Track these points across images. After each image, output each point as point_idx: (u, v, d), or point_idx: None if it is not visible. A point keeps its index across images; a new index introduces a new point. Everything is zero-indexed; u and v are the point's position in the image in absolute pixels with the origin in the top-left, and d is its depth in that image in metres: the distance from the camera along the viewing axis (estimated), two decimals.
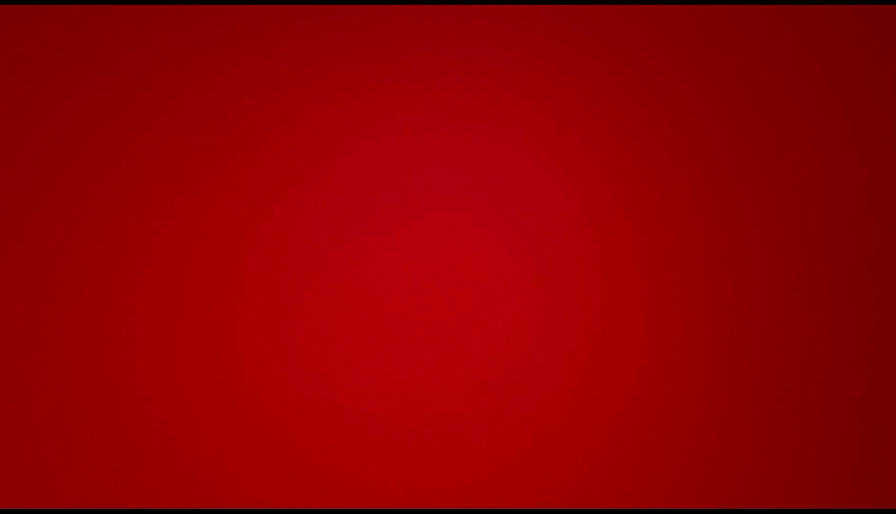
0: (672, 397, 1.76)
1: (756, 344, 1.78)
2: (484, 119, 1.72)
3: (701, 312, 1.77)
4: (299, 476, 1.68)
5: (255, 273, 1.68)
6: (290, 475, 1.68)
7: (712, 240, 1.77)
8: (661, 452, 1.76)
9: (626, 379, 1.75)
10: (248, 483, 1.67)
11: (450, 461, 1.71)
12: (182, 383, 1.65)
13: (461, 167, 1.72)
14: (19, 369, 1.62)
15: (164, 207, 1.66)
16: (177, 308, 1.65)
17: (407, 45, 1.71)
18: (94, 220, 1.64)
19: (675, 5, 1.78)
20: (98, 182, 1.64)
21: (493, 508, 1.72)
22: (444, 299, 1.71)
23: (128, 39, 1.65)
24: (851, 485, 1.79)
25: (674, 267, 1.77)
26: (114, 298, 1.64)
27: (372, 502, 1.69)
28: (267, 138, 1.68)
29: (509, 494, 1.73)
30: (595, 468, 1.74)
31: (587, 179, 1.75)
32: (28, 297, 1.62)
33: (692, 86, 1.78)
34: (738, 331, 1.78)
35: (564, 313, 1.74)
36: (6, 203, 1.62)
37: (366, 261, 1.70)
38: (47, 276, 1.63)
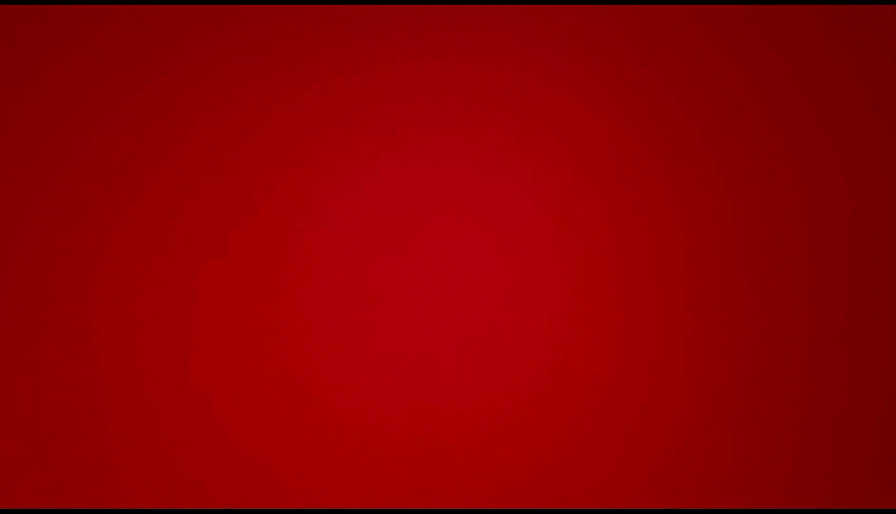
0: (666, 397, 1.76)
1: (753, 343, 1.78)
2: (475, 129, 1.73)
3: (694, 311, 1.77)
4: (314, 475, 1.68)
5: (270, 276, 1.68)
6: (305, 475, 1.68)
7: (701, 239, 1.77)
8: (661, 451, 1.76)
9: (621, 380, 1.75)
10: (259, 483, 1.68)
11: (452, 459, 1.71)
12: (189, 384, 1.66)
13: (454, 176, 1.72)
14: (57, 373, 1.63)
15: (190, 218, 1.67)
16: (181, 312, 1.66)
17: (400, 56, 1.72)
18: (129, 229, 1.65)
19: (668, 5, 1.78)
20: (134, 196, 1.65)
21: (492, 507, 1.72)
22: (444, 301, 1.72)
23: (164, 63, 1.66)
24: (851, 485, 1.79)
25: (663, 268, 1.77)
26: (126, 301, 1.65)
27: (372, 502, 1.70)
28: (279, 153, 1.69)
29: (509, 494, 1.73)
30: (586, 467, 1.74)
31: (570, 188, 1.75)
32: (76, 304, 1.64)
33: (678, 87, 1.78)
34: (735, 331, 1.78)
35: (556, 313, 1.74)
36: (59, 216, 1.64)
37: (363, 265, 1.70)
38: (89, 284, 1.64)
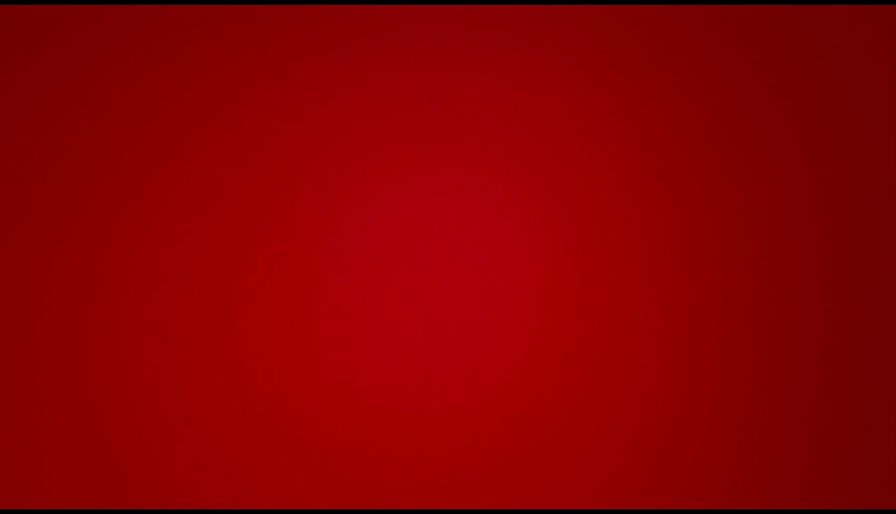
0: (664, 397, 1.76)
1: (755, 345, 1.78)
2: (469, 140, 1.73)
3: (676, 312, 1.77)
4: (319, 476, 1.68)
5: (279, 279, 1.68)
6: (311, 475, 1.68)
7: (685, 240, 1.78)
8: (660, 452, 1.76)
9: (614, 381, 1.75)
10: (262, 484, 1.67)
11: (451, 459, 1.71)
12: (194, 385, 1.66)
13: (451, 186, 1.73)
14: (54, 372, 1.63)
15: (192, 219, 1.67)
16: (181, 312, 1.66)
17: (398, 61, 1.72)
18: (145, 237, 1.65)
19: (662, 6, 1.78)
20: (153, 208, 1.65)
21: (493, 508, 1.72)
22: (444, 305, 1.72)
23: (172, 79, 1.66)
24: (851, 485, 1.79)
25: (648, 268, 1.77)
26: (135, 302, 1.65)
27: (375, 502, 1.70)
28: (287, 150, 1.69)
29: (506, 494, 1.73)
30: (590, 468, 1.74)
31: (564, 198, 1.75)
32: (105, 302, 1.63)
33: (673, 88, 1.78)
34: (737, 332, 1.78)
35: (551, 318, 1.74)
36: (91, 217, 1.63)
37: (366, 270, 1.71)
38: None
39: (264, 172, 1.69)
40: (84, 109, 1.65)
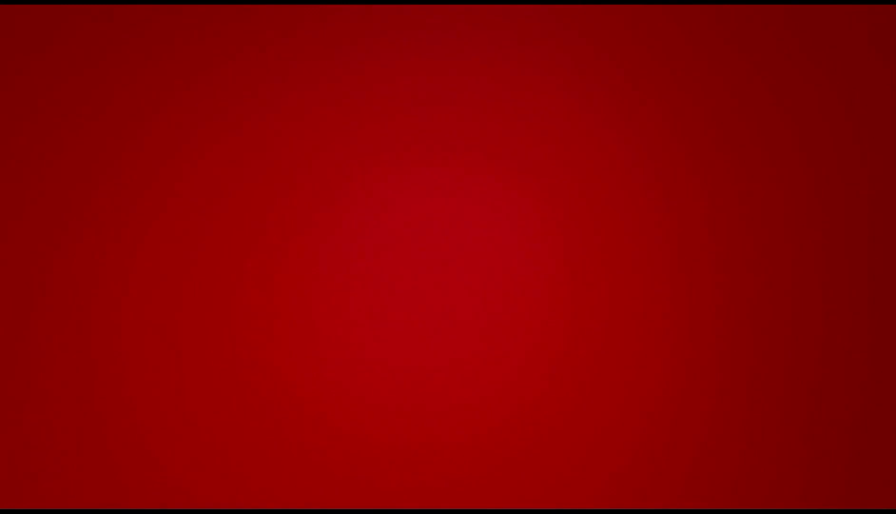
0: (664, 397, 1.76)
1: (755, 345, 1.78)
2: (467, 141, 1.73)
3: (677, 313, 1.77)
4: (317, 476, 1.68)
5: (280, 278, 1.68)
6: (314, 475, 1.68)
7: (685, 241, 1.78)
8: (660, 452, 1.76)
9: (612, 383, 1.75)
10: (262, 483, 1.67)
11: (451, 459, 1.71)
12: (196, 385, 1.66)
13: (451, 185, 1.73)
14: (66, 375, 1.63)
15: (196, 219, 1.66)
16: (184, 311, 1.66)
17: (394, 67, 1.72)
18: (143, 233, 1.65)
19: (662, 6, 1.78)
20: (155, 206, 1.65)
21: (493, 508, 1.72)
22: (443, 303, 1.72)
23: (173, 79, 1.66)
24: (851, 485, 1.79)
25: (648, 269, 1.77)
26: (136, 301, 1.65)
27: (375, 502, 1.70)
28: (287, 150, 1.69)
29: (504, 494, 1.73)
30: (590, 468, 1.74)
31: (561, 196, 1.75)
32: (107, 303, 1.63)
33: (672, 88, 1.78)
34: (737, 332, 1.78)
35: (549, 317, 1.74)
36: (93, 217, 1.63)
37: (363, 269, 1.70)
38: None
39: (264, 173, 1.69)
40: (84, 109, 1.65)
